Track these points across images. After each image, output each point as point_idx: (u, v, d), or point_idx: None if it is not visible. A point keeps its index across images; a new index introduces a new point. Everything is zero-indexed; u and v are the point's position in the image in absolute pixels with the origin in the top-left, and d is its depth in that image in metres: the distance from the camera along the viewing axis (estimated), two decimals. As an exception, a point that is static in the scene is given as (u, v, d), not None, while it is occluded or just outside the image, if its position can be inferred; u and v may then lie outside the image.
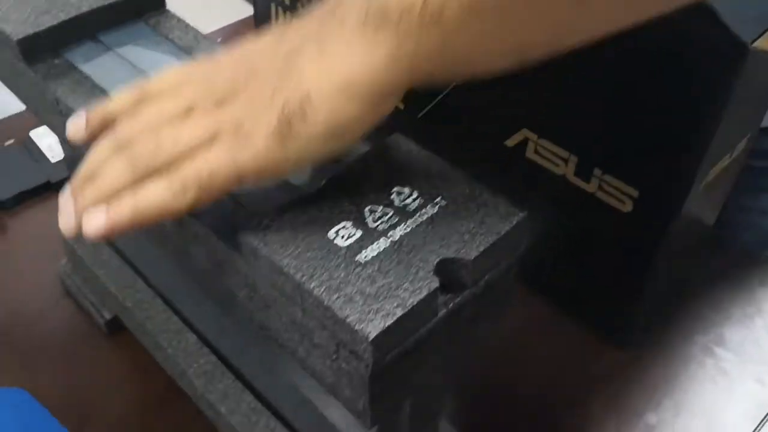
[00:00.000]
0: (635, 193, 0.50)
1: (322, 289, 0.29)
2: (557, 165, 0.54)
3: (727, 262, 0.64)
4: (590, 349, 0.58)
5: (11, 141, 0.71)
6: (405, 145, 0.36)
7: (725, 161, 0.51)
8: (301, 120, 0.30)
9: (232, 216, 0.34)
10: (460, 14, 0.28)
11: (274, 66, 0.31)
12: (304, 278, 0.29)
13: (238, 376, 0.48)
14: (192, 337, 0.50)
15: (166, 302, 0.53)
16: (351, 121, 0.30)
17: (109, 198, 0.32)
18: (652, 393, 0.55)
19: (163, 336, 0.51)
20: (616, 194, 0.51)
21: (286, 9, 0.70)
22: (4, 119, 0.77)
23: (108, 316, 0.56)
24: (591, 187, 0.53)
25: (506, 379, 0.55)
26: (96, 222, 0.32)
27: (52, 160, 0.69)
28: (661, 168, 0.49)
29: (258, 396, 0.47)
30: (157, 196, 0.31)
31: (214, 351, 0.50)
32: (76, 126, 0.36)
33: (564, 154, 0.53)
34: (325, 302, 0.29)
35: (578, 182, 0.53)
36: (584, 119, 0.51)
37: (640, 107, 0.48)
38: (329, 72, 0.30)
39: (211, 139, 0.31)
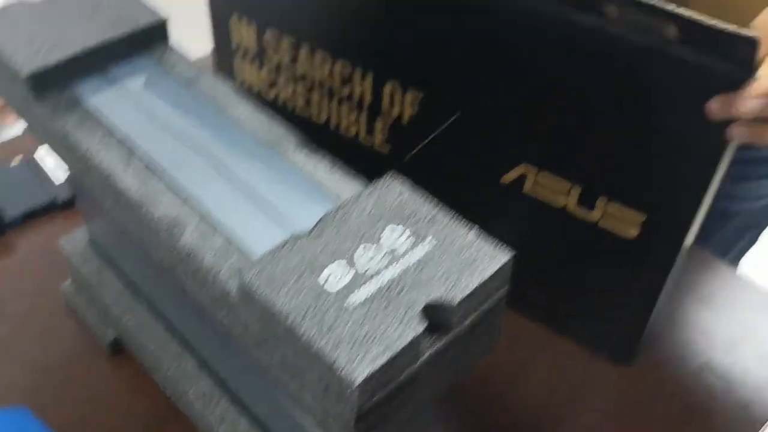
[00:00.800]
0: (642, 218, 0.51)
1: (312, 333, 0.30)
2: (558, 197, 0.54)
3: (715, 284, 0.65)
4: (586, 367, 0.59)
5: (18, 160, 0.73)
6: (397, 185, 0.37)
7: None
8: None
9: (229, 256, 0.36)
10: None
11: None
12: (295, 322, 0.31)
13: (235, 399, 0.50)
14: (191, 361, 0.52)
15: (167, 326, 0.54)
16: None
17: None
18: (647, 409, 0.56)
19: (163, 358, 0.52)
20: (622, 220, 0.52)
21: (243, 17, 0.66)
22: (11, 140, 0.79)
23: (111, 336, 0.58)
24: (594, 216, 0.53)
25: (501, 395, 0.57)
26: None
27: (57, 181, 0.70)
28: (671, 189, 0.49)
29: (254, 419, 0.49)
30: None
31: (213, 374, 0.51)
32: None
33: (565, 186, 0.53)
34: (314, 347, 0.30)
35: (580, 212, 0.54)
36: (589, 148, 0.51)
37: (648, 130, 0.48)
38: None
39: None
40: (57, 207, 0.69)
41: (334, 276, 0.33)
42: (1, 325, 0.61)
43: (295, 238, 0.34)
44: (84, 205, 0.59)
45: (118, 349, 0.58)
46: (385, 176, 0.38)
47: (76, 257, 0.59)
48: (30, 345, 0.59)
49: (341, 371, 0.29)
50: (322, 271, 0.33)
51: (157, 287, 0.54)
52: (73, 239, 0.60)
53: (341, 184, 0.40)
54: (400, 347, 0.30)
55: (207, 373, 0.51)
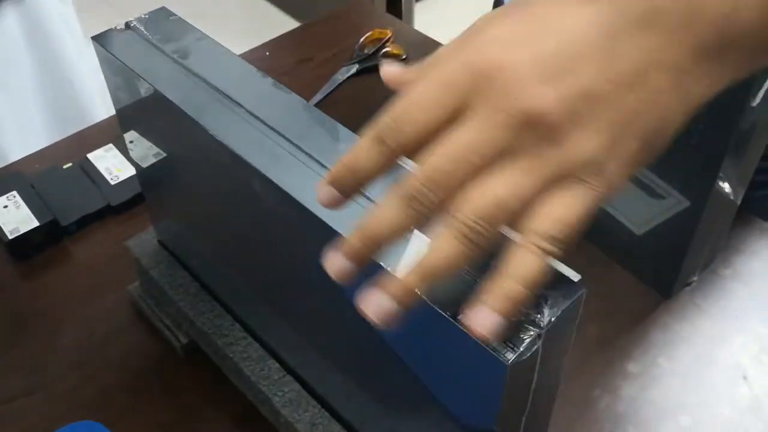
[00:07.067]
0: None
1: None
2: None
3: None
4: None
5: (69, 164, 0.72)
6: None
7: None
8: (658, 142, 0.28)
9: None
10: None
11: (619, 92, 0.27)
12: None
13: (324, 404, 0.49)
14: (274, 365, 0.51)
15: (246, 328, 0.53)
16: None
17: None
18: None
19: (244, 363, 0.52)
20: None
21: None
22: (61, 141, 0.78)
23: (184, 339, 0.57)
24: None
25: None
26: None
27: (111, 182, 0.69)
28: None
29: (346, 425, 0.48)
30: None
31: (298, 379, 0.50)
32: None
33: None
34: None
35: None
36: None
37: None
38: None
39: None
40: (112, 211, 0.69)
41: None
42: (66, 334, 0.60)
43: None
44: (154, 204, 0.58)
45: (192, 350, 0.57)
46: None
47: (146, 259, 0.58)
48: (99, 353, 0.58)
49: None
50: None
51: (236, 289, 0.53)
52: (140, 241, 0.59)
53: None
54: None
55: (292, 378, 0.50)
